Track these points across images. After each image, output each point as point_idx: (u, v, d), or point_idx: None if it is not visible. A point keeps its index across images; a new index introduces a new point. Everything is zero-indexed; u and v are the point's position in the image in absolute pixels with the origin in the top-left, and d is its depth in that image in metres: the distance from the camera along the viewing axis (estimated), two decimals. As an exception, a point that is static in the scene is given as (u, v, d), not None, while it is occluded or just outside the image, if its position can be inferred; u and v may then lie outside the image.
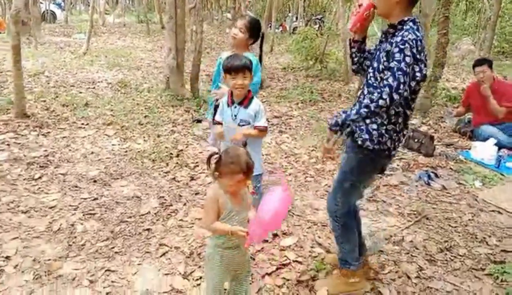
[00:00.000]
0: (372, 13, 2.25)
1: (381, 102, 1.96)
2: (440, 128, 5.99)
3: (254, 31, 3.06)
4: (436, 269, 2.77)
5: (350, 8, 13.76)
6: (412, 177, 4.21)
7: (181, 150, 4.64)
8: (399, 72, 1.95)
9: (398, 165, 4.48)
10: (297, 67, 10.62)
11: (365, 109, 2.00)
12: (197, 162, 4.35)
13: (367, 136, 2.18)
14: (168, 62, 6.75)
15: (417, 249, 2.99)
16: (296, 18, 22.43)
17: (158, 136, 5.03)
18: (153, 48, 13.00)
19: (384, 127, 2.15)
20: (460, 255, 2.94)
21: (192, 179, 3.98)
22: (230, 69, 2.54)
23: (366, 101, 2.00)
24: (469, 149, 5.02)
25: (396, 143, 2.22)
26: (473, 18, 23.16)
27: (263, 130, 2.69)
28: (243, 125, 2.67)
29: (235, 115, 2.66)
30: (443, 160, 4.71)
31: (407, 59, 1.96)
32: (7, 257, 2.65)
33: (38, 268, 2.58)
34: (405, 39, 1.98)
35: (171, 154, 4.48)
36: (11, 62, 5.23)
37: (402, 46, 1.97)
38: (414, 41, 1.97)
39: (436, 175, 4.23)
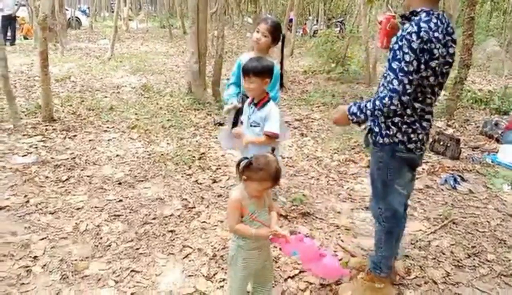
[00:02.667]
0: (393, 24, 2.23)
1: (393, 107, 1.97)
2: (465, 131, 5.86)
3: (276, 34, 3.07)
4: (463, 275, 2.70)
5: (371, 10, 13.64)
6: (438, 181, 4.13)
7: (203, 153, 4.67)
8: (401, 74, 1.92)
9: (423, 169, 4.40)
10: (318, 70, 10.57)
11: (379, 112, 2.02)
12: (219, 165, 4.38)
13: (377, 129, 2.18)
14: (190, 67, 6.82)
15: (443, 254, 2.92)
16: (317, 21, 22.38)
17: (181, 139, 5.09)
18: (175, 53, 13.17)
19: (390, 120, 2.11)
20: (489, 261, 2.87)
21: (214, 181, 4.00)
22: (243, 71, 2.60)
23: (379, 103, 1.99)
24: (497, 152, 4.89)
25: (412, 136, 2.12)
26: (499, 18, 22.62)
27: (271, 137, 2.64)
28: (255, 126, 2.70)
29: (250, 115, 2.69)
30: (470, 163, 4.61)
31: (406, 57, 1.90)
32: (35, 257, 2.72)
33: (65, 268, 2.63)
34: (403, 34, 1.92)
35: (194, 156, 4.52)
36: (39, 67, 5.39)
37: (400, 43, 1.92)
38: (413, 35, 1.88)
39: (463, 179, 4.14)
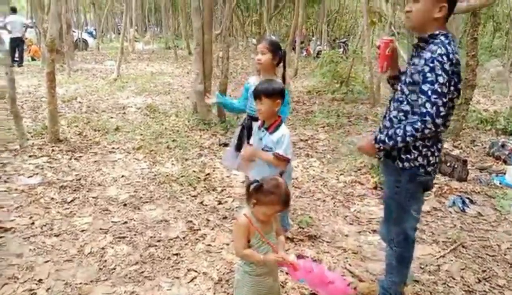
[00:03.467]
0: (392, 48, 2.25)
1: (426, 131, 1.94)
2: (472, 152, 5.83)
3: (275, 49, 3.01)
4: (475, 301, 2.64)
5: (374, 31, 13.78)
6: (446, 203, 4.08)
7: (208, 174, 4.66)
8: (435, 96, 1.89)
9: (431, 190, 4.35)
10: (322, 91, 10.62)
11: (411, 138, 1.98)
12: (224, 186, 4.36)
13: (395, 153, 2.14)
14: (195, 87, 6.87)
15: (453, 279, 2.86)
16: (320, 42, 22.60)
17: (186, 160, 5.09)
18: (181, 74, 13.30)
19: (420, 144, 2.09)
20: (500, 286, 2.80)
21: (219, 203, 3.97)
22: (254, 94, 2.59)
23: (410, 129, 1.96)
24: (504, 173, 4.85)
25: (430, 159, 2.12)
26: (501, 39, 22.78)
27: (279, 159, 2.55)
28: (267, 151, 2.64)
29: (261, 139, 2.67)
30: (477, 185, 4.56)
31: (440, 79, 1.89)
32: (40, 280, 2.69)
33: (69, 291, 2.60)
34: (434, 56, 1.92)
35: (199, 177, 4.51)
36: (46, 88, 5.45)
37: (431, 65, 1.91)
38: (444, 57, 1.91)
39: (471, 201, 4.09)
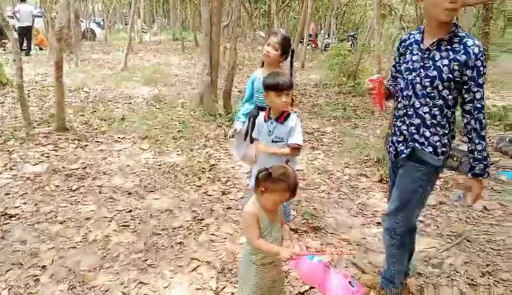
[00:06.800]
0: (385, 86, 2.28)
1: (484, 123, 2.01)
2: (479, 147, 5.76)
3: (286, 48, 3.10)
4: (478, 295, 2.62)
5: (383, 25, 13.64)
6: (451, 197, 4.05)
7: (213, 165, 4.66)
8: (483, 88, 2.00)
9: (436, 184, 4.32)
10: (329, 84, 10.56)
11: (486, 140, 2.04)
12: (229, 177, 4.36)
13: (431, 149, 2.12)
14: (202, 78, 6.86)
15: (457, 272, 2.84)
16: (328, 34, 22.45)
17: (191, 150, 5.09)
18: (187, 65, 13.28)
19: (446, 137, 2.11)
20: (504, 280, 2.78)
21: (223, 193, 3.97)
22: (277, 87, 2.53)
23: (485, 131, 2.02)
24: (511, 168, 4.79)
25: (449, 149, 2.17)
26: (513, 34, 22.46)
27: (295, 149, 2.63)
28: (277, 141, 2.65)
29: (271, 131, 2.65)
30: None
31: (485, 70, 1.98)
32: (43, 267, 2.71)
33: (73, 278, 2.61)
34: (481, 50, 1.96)
35: (204, 168, 4.51)
36: (53, 77, 5.46)
37: (482, 58, 1.96)
38: (482, 50, 1.97)
39: (477, 195, 4.05)
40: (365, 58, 10.96)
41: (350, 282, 1.91)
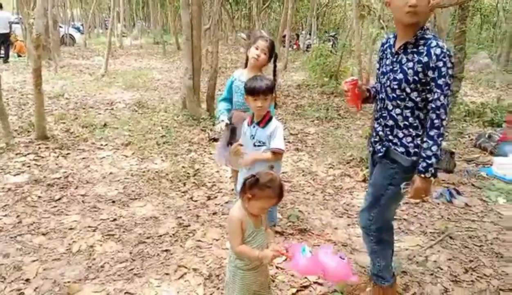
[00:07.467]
0: (360, 86, 2.33)
1: (445, 123, 2.01)
2: (459, 144, 5.88)
3: (273, 52, 3.16)
4: (462, 291, 2.67)
5: (363, 24, 13.80)
6: (433, 194, 4.12)
7: (198, 169, 4.64)
8: (446, 87, 1.99)
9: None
10: (311, 85, 10.63)
11: (441, 138, 2.03)
12: (214, 181, 4.35)
13: (403, 149, 2.15)
14: (184, 82, 6.83)
15: (441, 269, 2.90)
16: (310, 35, 22.60)
17: (175, 155, 5.06)
18: (169, 69, 13.20)
19: (419, 138, 2.13)
20: (486, 275, 2.84)
21: (209, 198, 3.96)
22: (253, 91, 2.57)
23: (436, 131, 2.00)
24: (491, 164, 4.90)
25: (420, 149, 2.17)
26: (489, 31, 23.00)
27: (277, 153, 2.67)
28: (259, 145, 2.68)
29: (253, 135, 2.68)
30: (465, 176, 4.61)
31: (449, 71, 1.99)
32: (27, 280, 2.66)
33: (58, 290, 2.57)
34: (443, 51, 1.98)
35: (188, 173, 4.49)
36: (32, 85, 5.36)
37: (444, 59, 1.97)
38: (449, 51, 1.99)
39: (458, 192, 4.13)
40: (346, 58, 11.08)
41: (341, 257, 1.99)
